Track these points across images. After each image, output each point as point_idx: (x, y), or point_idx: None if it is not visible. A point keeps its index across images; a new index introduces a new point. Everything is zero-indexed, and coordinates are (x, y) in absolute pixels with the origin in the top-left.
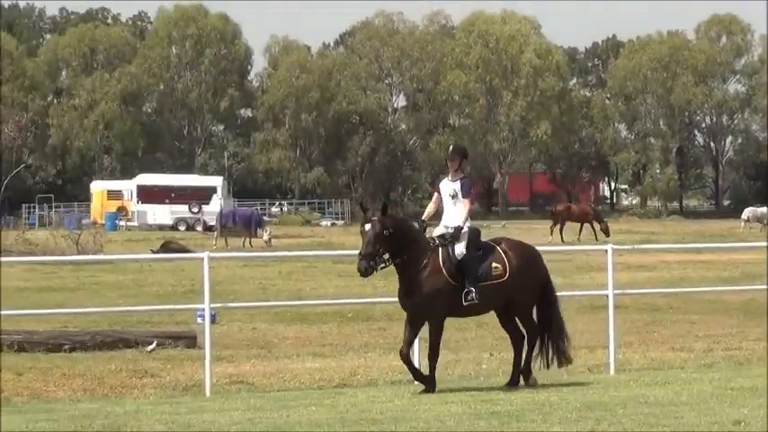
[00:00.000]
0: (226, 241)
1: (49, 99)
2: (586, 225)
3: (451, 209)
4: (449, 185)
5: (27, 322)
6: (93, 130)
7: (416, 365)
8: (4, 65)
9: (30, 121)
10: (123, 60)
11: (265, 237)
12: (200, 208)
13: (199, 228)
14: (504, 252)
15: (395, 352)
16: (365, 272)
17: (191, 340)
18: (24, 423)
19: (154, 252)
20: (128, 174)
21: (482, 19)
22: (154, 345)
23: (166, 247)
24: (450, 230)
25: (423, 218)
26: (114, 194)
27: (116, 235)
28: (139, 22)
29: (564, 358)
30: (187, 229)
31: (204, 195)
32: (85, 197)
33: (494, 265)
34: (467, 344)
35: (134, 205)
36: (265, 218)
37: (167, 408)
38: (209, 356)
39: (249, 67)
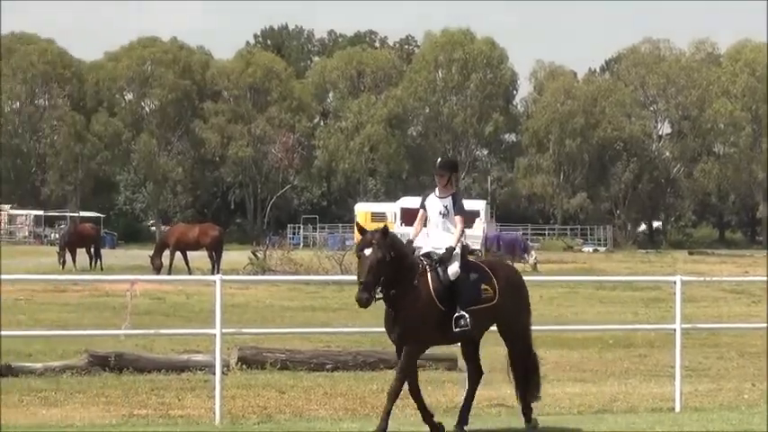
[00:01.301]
0: None
1: (315, 120)
2: None
3: (440, 228)
4: (437, 202)
5: (291, 341)
6: (358, 152)
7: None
8: (272, 86)
9: (296, 142)
10: (389, 83)
11: (531, 260)
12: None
13: None
14: (493, 272)
15: (656, 378)
16: (366, 303)
17: (452, 363)
18: None
19: None
20: (392, 196)
21: (749, 47)
22: None
23: None
24: (441, 251)
25: (410, 238)
26: (378, 216)
27: None
28: (406, 46)
29: (536, 392)
30: None
31: (467, 219)
32: (350, 218)
33: (483, 287)
34: (727, 373)
35: (398, 227)
36: (530, 243)
37: (426, 429)
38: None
39: (514, 92)
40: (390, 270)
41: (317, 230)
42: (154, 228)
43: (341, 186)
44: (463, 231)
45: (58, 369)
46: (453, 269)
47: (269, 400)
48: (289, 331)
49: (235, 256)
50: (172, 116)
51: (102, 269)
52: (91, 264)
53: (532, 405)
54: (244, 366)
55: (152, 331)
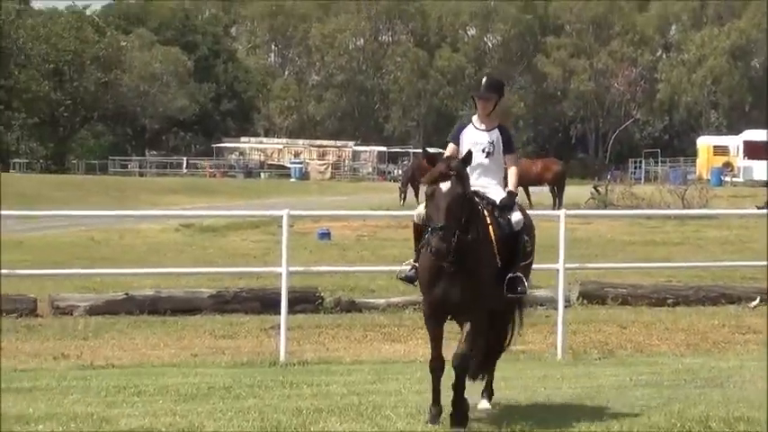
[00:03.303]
0: None
1: (657, 54)
2: None
3: (482, 169)
4: (479, 136)
5: (632, 276)
6: (700, 84)
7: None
8: (615, 19)
9: (638, 76)
10: (733, 15)
11: None
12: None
13: None
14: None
15: None
16: (446, 256)
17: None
18: (628, 376)
19: (759, 208)
20: (734, 129)
21: None
22: (757, 301)
23: None
24: (489, 193)
25: None
26: (720, 150)
27: (721, 190)
28: None
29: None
30: None
31: None
32: (692, 152)
33: (525, 238)
34: None
35: (740, 161)
36: None
37: None
38: None
39: None
40: (466, 212)
41: (659, 164)
42: None
43: (683, 120)
44: (518, 173)
45: (401, 305)
46: (517, 217)
47: (610, 336)
48: (630, 266)
49: (576, 190)
50: (514, 51)
51: None
52: None
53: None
54: (584, 301)
55: None
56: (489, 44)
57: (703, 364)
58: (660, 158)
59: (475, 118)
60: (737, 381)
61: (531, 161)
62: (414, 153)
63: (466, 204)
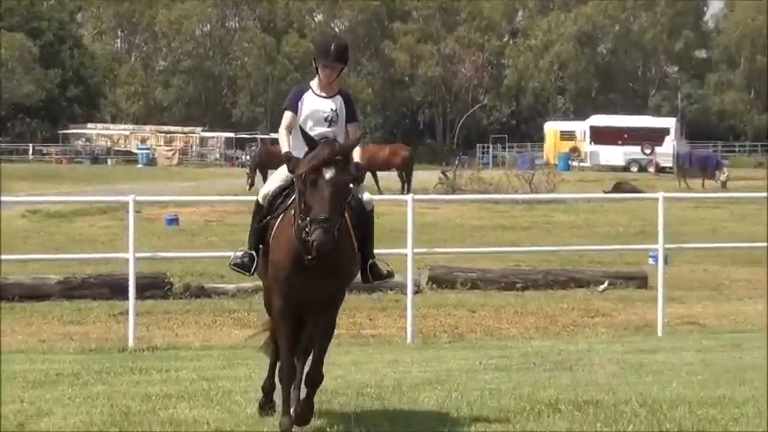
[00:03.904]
0: (686, 183)
1: (504, 39)
2: None
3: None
4: (321, 104)
5: (481, 260)
6: (547, 70)
7: None
8: (462, 5)
9: (486, 62)
10: (579, 1)
11: (722, 178)
12: (653, 149)
13: (651, 169)
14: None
15: None
16: (329, 249)
17: (641, 281)
18: (478, 359)
19: (606, 192)
20: (581, 114)
21: None
22: (605, 285)
23: (618, 188)
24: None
25: (287, 151)
26: (567, 135)
27: (568, 175)
28: None
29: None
30: (639, 171)
31: (657, 137)
32: (539, 137)
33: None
34: None
35: (587, 146)
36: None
37: (618, 347)
38: (662, 297)
39: (705, 9)
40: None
41: (507, 150)
42: None
43: (530, 105)
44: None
45: (251, 290)
46: (367, 196)
47: (460, 320)
48: (479, 251)
49: (424, 176)
50: (361, 36)
51: None
52: None
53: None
54: (434, 286)
55: None
56: (336, 30)
57: (552, 347)
58: (508, 144)
59: (314, 83)
60: (586, 364)
61: (378, 146)
62: (261, 139)
63: (349, 193)
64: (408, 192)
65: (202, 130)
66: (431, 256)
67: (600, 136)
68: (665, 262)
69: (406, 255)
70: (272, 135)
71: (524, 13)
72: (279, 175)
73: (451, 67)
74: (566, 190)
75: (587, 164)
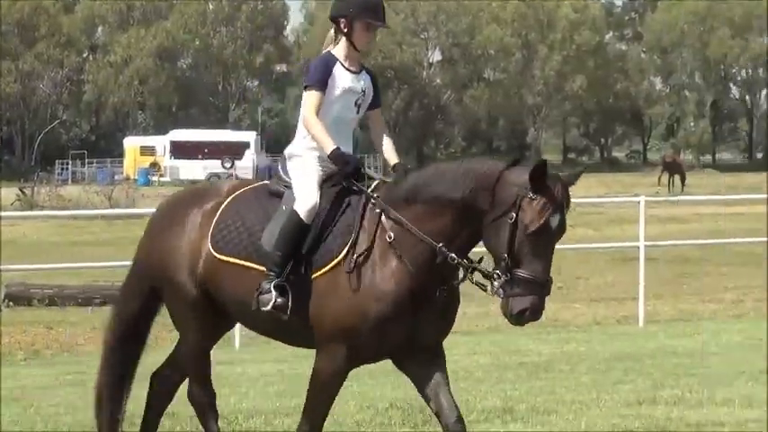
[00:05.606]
0: None
1: (84, 55)
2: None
3: (349, 130)
4: (352, 81)
5: (58, 276)
6: (127, 86)
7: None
8: (41, 21)
9: (65, 78)
10: (159, 16)
11: None
12: (233, 163)
13: None
14: None
15: None
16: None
17: None
18: (54, 376)
19: None
20: (162, 130)
21: None
22: None
23: None
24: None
25: (334, 148)
26: (147, 150)
27: (149, 190)
28: None
29: None
30: None
31: (237, 150)
32: (119, 153)
33: None
34: None
35: (167, 161)
36: None
37: None
38: None
39: (285, 23)
40: None
41: (86, 166)
42: None
43: (110, 121)
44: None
45: None
46: None
47: (36, 336)
48: (56, 266)
49: (3, 193)
50: None
51: None
52: None
53: None
54: (11, 303)
55: None
56: None
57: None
58: (87, 159)
59: (340, 52)
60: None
61: None
62: None
63: None
64: None
65: None
66: (7, 273)
67: (180, 150)
68: None
69: None
70: None
71: (104, 29)
72: (312, 178)
73: (30, 83)
74: (146, 205)
75: (167, 178)
